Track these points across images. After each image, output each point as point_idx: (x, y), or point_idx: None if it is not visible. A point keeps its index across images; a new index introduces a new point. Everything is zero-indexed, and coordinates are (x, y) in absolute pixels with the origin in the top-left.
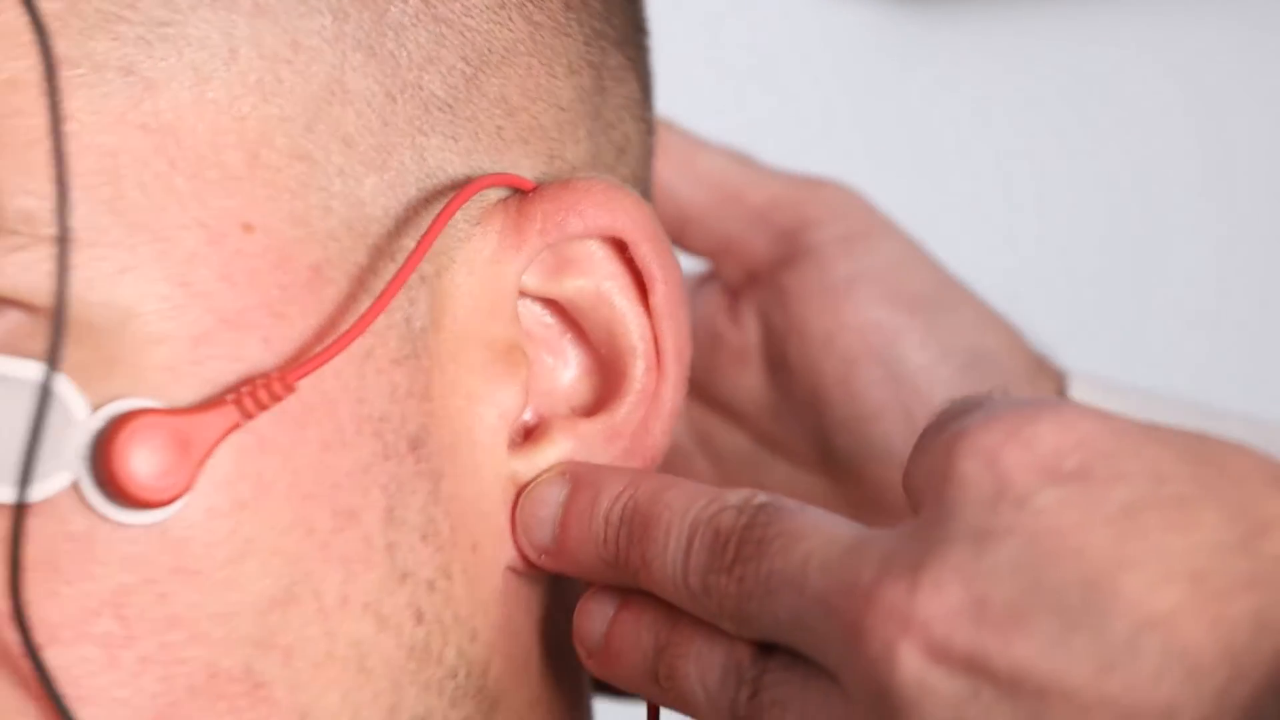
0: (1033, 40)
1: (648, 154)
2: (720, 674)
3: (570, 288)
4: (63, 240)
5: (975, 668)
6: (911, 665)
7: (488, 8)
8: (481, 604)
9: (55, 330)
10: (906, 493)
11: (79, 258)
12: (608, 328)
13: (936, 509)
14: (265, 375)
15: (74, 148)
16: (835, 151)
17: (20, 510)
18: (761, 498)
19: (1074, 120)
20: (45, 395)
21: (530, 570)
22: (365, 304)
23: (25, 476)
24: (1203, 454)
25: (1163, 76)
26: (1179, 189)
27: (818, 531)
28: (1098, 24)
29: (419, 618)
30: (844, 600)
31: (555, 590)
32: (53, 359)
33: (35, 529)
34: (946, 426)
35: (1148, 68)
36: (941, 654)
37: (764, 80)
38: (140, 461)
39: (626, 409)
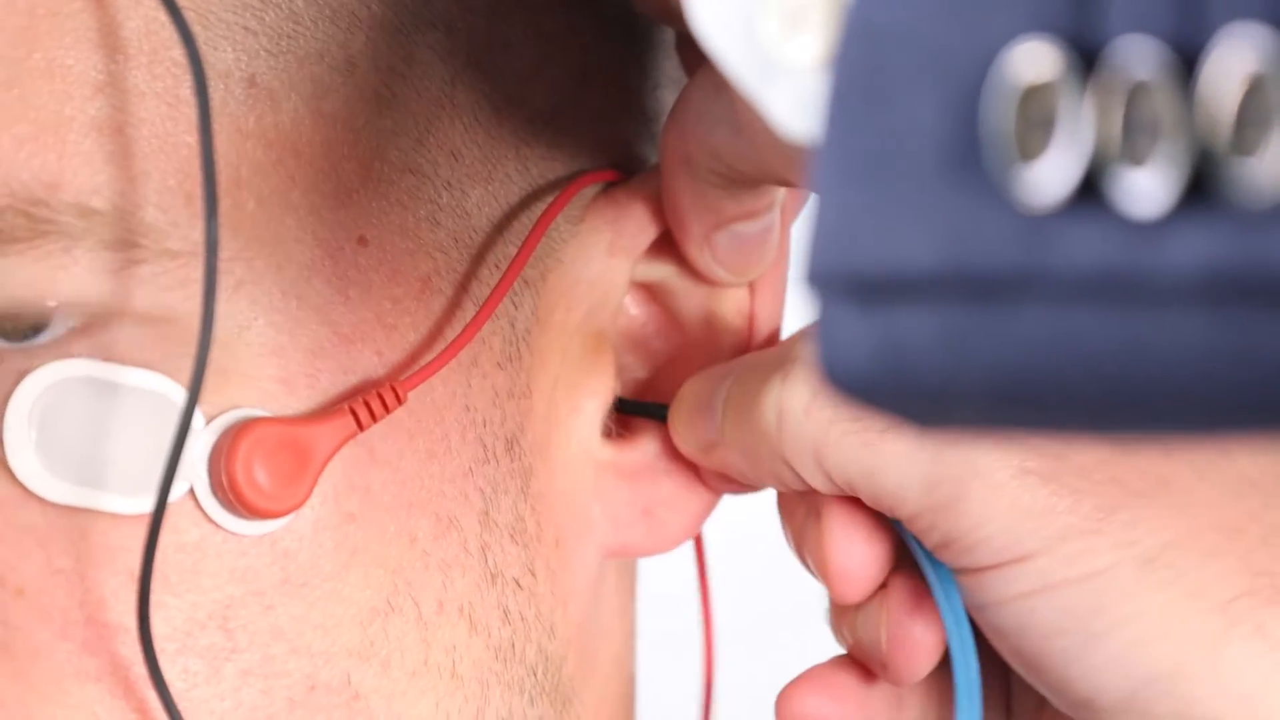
0: None
1: None
2: None
3: (666, 270)
4: (210, 259)
5: None
6: None
7: (590, 24)
8: (560, 600)
9: (203, 343)
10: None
11: (198, 271)
12: (702, 306)
13: None
14: (379, 385)
15: (195, 159)
16: None
17: (155, 522)
18: None
19: None
20: (190, 408)
21: (617, 557)
22: (472, 313)
23: (165, 487)
24: None
25: None
26: None
27: None
28: None
29: (505, 617)
30: None
31: (622, 586)
32: (197, 377)
33: (146, 538)
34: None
35: None
36: None
37: None
38: (261, 471)
39: None
